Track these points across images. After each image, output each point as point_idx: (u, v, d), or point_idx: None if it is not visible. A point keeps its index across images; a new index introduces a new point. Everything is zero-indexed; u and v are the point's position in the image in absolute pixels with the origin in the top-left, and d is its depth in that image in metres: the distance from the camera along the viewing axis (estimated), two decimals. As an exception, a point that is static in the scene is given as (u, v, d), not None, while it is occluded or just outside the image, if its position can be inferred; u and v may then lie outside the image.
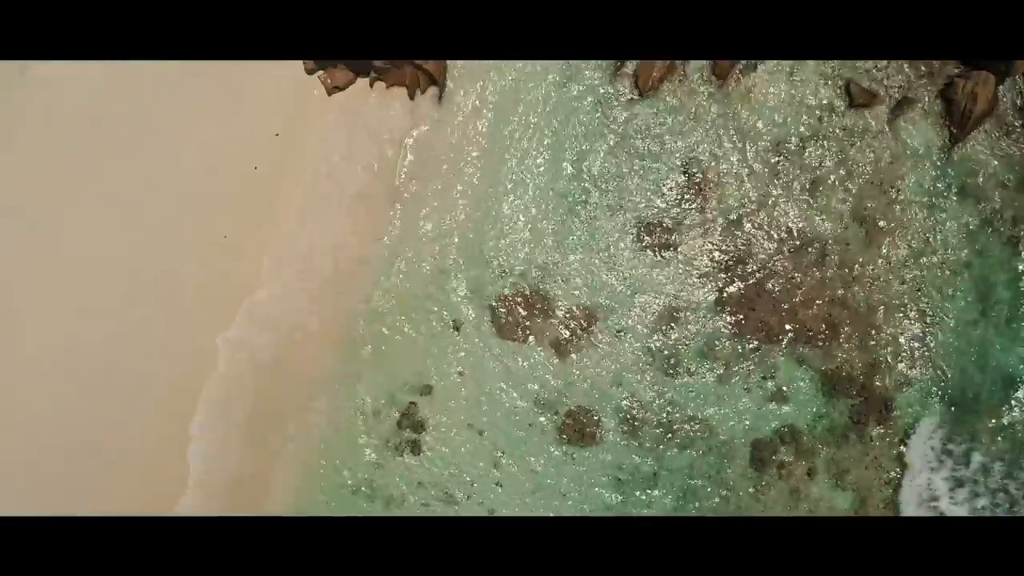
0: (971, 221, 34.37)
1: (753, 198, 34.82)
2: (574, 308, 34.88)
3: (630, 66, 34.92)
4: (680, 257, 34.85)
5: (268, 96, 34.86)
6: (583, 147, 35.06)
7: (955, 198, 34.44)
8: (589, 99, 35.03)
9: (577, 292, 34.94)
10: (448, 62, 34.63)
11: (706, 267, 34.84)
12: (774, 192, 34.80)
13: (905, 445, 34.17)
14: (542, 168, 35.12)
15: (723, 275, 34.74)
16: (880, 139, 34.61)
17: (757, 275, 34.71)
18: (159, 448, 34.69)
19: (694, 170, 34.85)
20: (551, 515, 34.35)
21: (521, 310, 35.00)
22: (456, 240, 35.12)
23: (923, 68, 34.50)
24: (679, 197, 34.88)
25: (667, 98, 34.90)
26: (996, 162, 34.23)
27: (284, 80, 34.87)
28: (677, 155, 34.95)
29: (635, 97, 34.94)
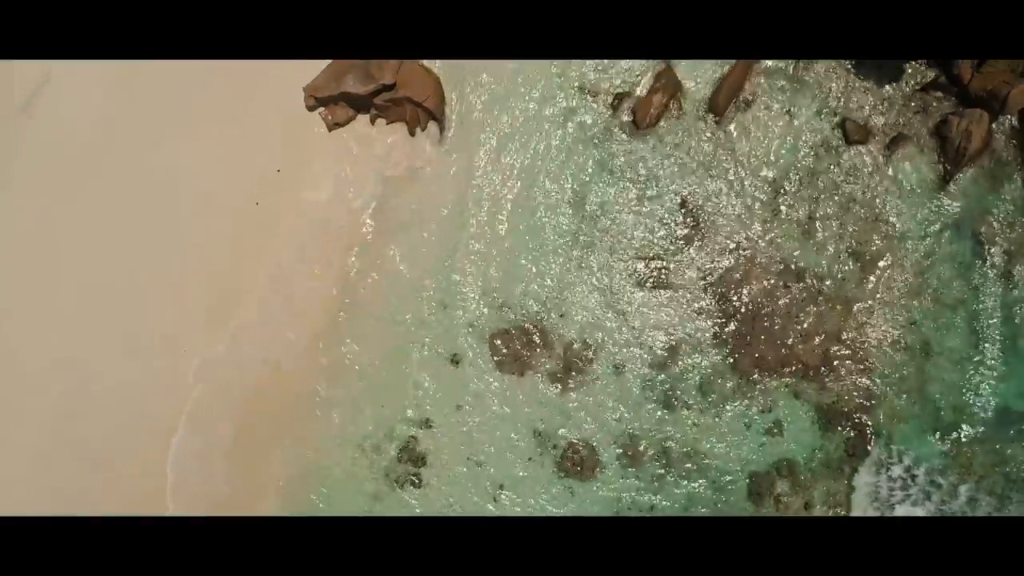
0: (965, 256, 34.76)
1: (750, 234, 35.18)
2: (573, 342, 35.19)
3: (628, 103, 35.30)
4: (678, 292, 35.20)
5: (270, 132, 35.18)
6: (581, 183, 35.41)
7: (949, 233, 34.83)
8: (587, 135, 35.39)
9: (576, 326, 35.26)
10: (447, 100, 34.99)
11: (703, 302, 35.17)
12: (770, 228, 35.16)
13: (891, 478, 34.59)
14: (541, 203, 35.45)
15: (720, 310, 35.08)
16: (875, 176, 35.01)
17: (754, 310, 35.04)
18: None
19: (691, 206, 35.22)
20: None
21: (520, 344, 35.30)
22: (455, 275, 35.44)
23: (917, 105, 34.92)
24: (676, 233, 35.24)
25: (664, 135, 35.28)
26: (990, 198, 34.65)
27: (286, 116, 35.21)
28: (674, 191, 35.32)
29: (632, 133, 35.30)
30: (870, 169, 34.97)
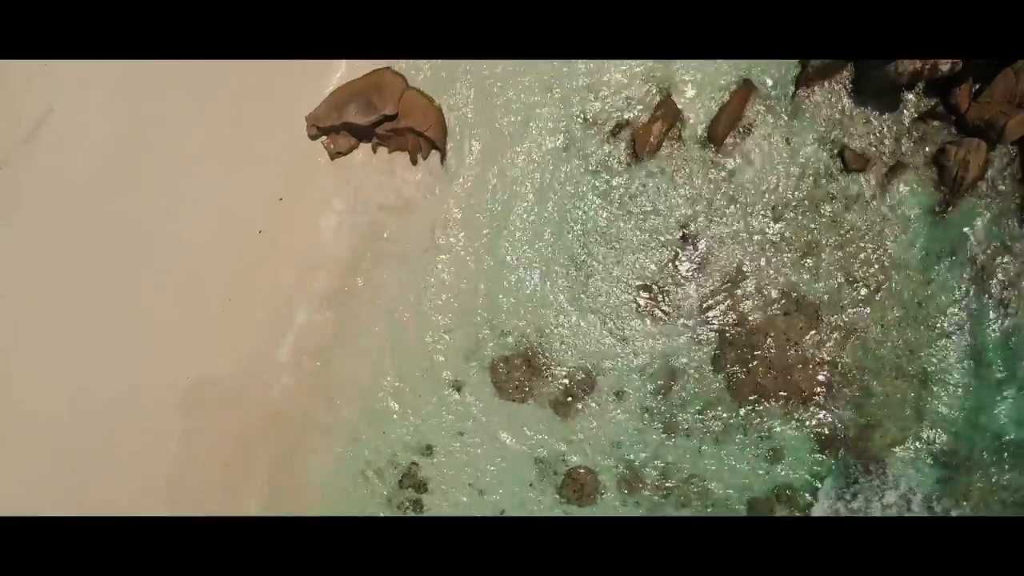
0: (963, 284, 35.01)
1: (749, 261, 35.45)
2: (574, 369, 35.49)
3: (627, 132, 35.52)
4: (678, 319, 35.47)
5: (272, 161, 35.42)
6: (582, 211, 35.66)
7: (947, 261, 35.08)
8: (587, 164, 35.62)
9: (577, 353, 35.55)
10: (449, 129, 35.19)
11: (703, 329, 35.45)
12: (769, 255, 35.42)
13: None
14: (542, 232, 35.70)
15: (719, 337, 35.36)
16: (873, 203, 35.24)
17: (753, 337, 35.32)
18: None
19: (691, 234, 35.48)
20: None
21: (521, 371, 35.60)
22: (457, 302, 35.70)
23: (915, 133, 35.12)
24: (676, 260, 35.51)
25: (664, 164, 35.51)
26: (987, 226, 34.89)
27: (288, 145, 35.43)
28: (674, 219, 35.56)
29: (632, 162, 35.53)
30: (869, 197, 35.19)
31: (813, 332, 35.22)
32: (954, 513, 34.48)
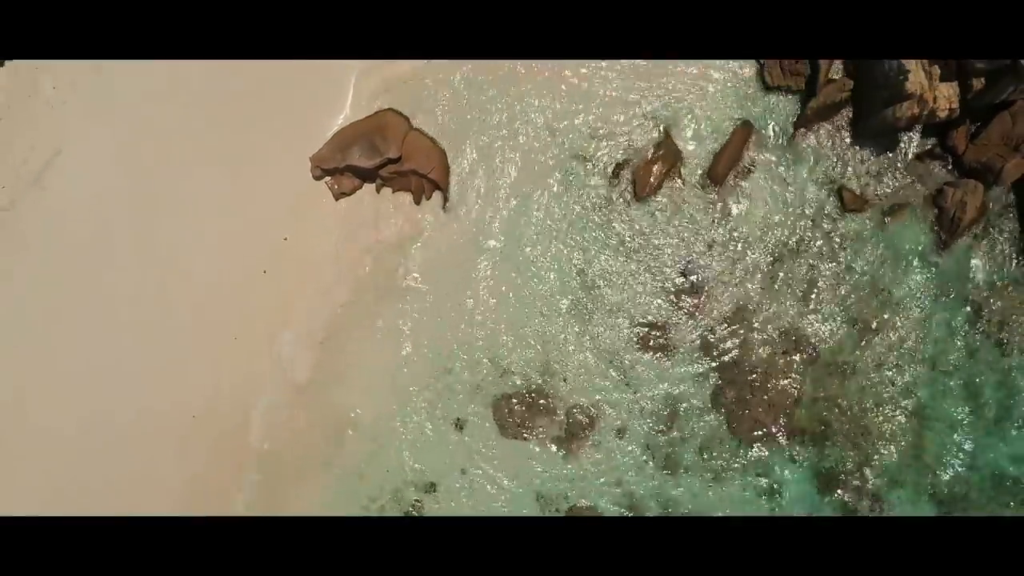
0: (960, 323, 35.36)
1: (748, 300, 35.80)
2: (576, 407, 35.84)
3: (627, 172, 35.89)
4: (678, 357, 35.82)
5: (277, 202, 35.80)
6: (582, 250, 36.03)
7: (945, 300, 35.44)
8: (587, 204, 35.99)
9: (578, 391, 35.91)
10: (452, 170, 35.58)
11: (703, 367, 35.80)
12: (769, 294, 35.78)
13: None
14: (542, 270, 36.08)
15: (719, 374, 35.70)
16: (871, 243, 35.60)
17: (751, 375, 35.67)
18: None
19: (691, 273, 35.84)
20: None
21: (522, 409, 35.95)
22: (459, 340, 36.07)
23: (913, 174, 35.49)
24: (676, 299, 35.86)
25: (664, 204, 35.88)
26: (985, 267, 35.25)
27: (293, 185, 35.81)
28: (674, 259, 35.93)
29: (632, 202, 35.90)
30: (867, 237, 35.56)
31: (812, 371, 35.57)
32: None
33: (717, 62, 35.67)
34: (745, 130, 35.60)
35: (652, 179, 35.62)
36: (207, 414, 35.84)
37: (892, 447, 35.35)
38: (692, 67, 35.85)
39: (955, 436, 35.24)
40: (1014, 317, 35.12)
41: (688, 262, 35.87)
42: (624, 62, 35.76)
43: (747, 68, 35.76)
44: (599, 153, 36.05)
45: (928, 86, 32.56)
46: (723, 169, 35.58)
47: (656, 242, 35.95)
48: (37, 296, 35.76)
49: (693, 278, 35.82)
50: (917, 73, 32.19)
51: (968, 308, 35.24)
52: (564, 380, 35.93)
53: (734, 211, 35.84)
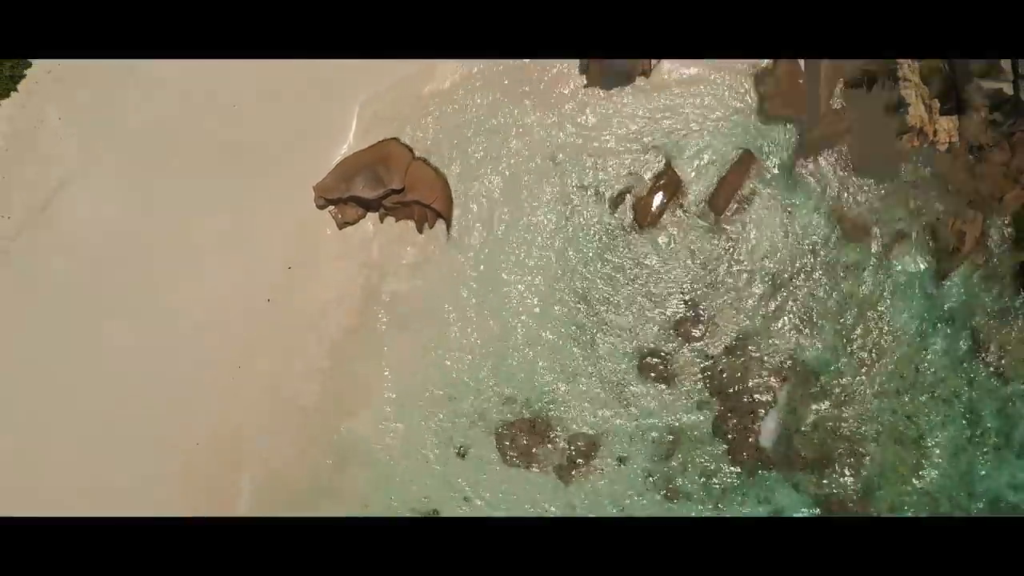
0: (959, 352, 35.61)
1: (750, 329, 36.04)
2: (577, 436, 36.10)
3: (629, 201, 36.12)
4: (679, 386, 36.07)
5: (281, 230, 36.02)
6: (585, 279, 36.28)
7: (944, 329, 35.69)
8: (590, 234, 36.24)
9: (580, 419, 36.16)
10: (455, 200, 35.83)
11: (703, 395, 36.04)
12: (769, 322, 36.02)
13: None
14: (546, 299, 36.33)
15: (721, 402, 35.95)
16: (872, 272, 35.83)
17: (752, 402, 35.93)
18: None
19: (692, 302, 36.08)
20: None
21: (525, 437, 36.21)
22: (463, 368, 36.30)
23: (913, 204, 35.70)
24: (678, 328, 36.10)
25: (665, 232, 36.11)
26: (982, 295, 35.48)
27: (297, 215, 36.04)
28: (675, 287, 36.17)
29: (634, 232, 36.14)
30: (867, 265, 35.80)
31: (812, 398, 35.82)
32: None
33: (717, 91, 35.94)
34: (746, 160, 35.82)
35: (653, 208, 35.87)
36: (210, 441, 36.11)
37: (890, 474, 35.61)
38: (694, 97, 36.10)
39: (954, 463, 35.50)
40: (1013, 344, 35.38)
41: (689, 290, 36.10)
42: (627, 94, 35.98)
43: (748, 97, 36.01)
44: (600, 182, 36.27)
45: (928, 119, 32.85)
46: (724, 199, 35.81)
47: (658, 270, 36.19)
48: (42, 324, 36.01)
49: (694, 306, 36.07)
50: (917, 106, 32.52)
51: (968, 337, 35.48)
52: (566, 408, 36.16)
53: (735, 240, 36.06)
